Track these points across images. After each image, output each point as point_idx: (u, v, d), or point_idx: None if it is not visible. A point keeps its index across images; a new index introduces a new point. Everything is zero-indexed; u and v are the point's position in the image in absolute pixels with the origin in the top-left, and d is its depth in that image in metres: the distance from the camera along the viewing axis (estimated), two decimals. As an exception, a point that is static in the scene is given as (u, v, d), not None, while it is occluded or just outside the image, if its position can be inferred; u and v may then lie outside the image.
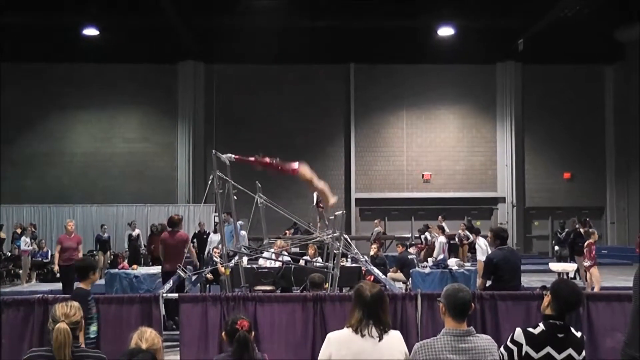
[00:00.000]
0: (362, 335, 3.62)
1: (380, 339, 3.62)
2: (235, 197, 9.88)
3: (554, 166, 25.29)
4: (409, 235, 21.39)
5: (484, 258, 14.40)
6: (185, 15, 21.54)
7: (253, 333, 4.39)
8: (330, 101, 25.25)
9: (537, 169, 25.46)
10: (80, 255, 12.88)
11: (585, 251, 13.54)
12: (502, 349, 3.85)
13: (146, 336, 3.58)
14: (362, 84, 25.10)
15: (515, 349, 3.83)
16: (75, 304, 3.89)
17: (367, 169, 25.13)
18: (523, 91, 25.29)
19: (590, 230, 14.39)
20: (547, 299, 3.98)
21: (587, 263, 13.43)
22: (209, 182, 9.20)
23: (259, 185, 11.94)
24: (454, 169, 25.26)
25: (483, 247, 14.84)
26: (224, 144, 21.93)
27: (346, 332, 3.70)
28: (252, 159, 9.35)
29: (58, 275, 13.27)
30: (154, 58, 24.49)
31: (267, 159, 9.41)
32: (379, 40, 23.52)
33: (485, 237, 15.93)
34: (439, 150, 25.27)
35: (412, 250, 16.99)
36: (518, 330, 3.89)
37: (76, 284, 6.12)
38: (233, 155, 9.50)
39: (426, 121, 25.42)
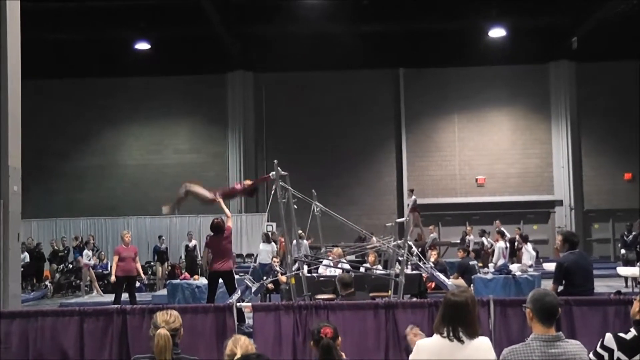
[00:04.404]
0: (447, 338, 3.63)
1: (466, 342, 3.62)
2: (295, 207, 9.86)
3: (613, 166, 24.57)
4: (458, 241, 21.14)
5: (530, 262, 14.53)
6: (232, 25, 21.73)
7: (340, 339, 4.49)
8: (380, 106, 25.12)
9: (595, 170, 24.79)
10: (138, 265, 13.00)
11: None
12: (591, 354, 3.76)
13: (240, 343, 3.73)
14: (411, 89, 24.91)
15: (606, 354, 3.74)
16: (175, 312, 4.08)
17: (419, 174, 24.90)
18: (578, 90, 24.69)
19: None
20: (637, 304, 3.88)
21: None
22: (272, 192, 9.15)
23: (315, 193, 11.87)
24: (508, 172, 24.82)
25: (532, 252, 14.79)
26: (274, 152, 22.03)
27: (435, 339, 3.72)
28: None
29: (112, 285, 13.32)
30: (202, 69, 24.77)
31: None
32: (428, 43, 23.31)
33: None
34: (492, 153, 24.89)
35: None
36: (608, 336, 3.80)
37: None
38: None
39: (478, 124, 25.09)
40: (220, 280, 10.42)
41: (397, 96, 25.04)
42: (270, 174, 9.31)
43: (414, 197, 21.23)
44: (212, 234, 10.67)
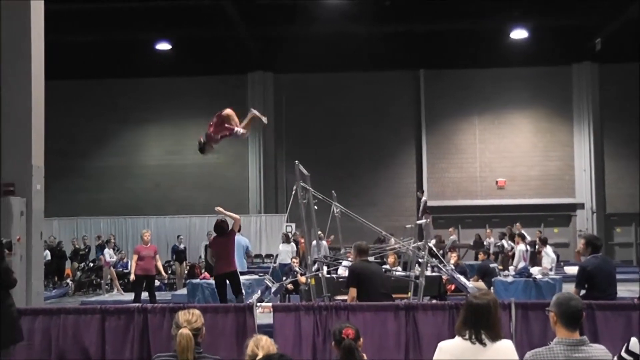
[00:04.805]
0: (469, 341, 3.61)
1: (488, 345, 3.59)
2: (315, 207, 9.83)
3: (636, 170, 24.05)
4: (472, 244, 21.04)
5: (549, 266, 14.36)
6: (252, 26, 21.76)
7: (361, 340, 4.46)
8: (399, 108, 25.03)
9: (618, 173, 24.44)
10: (159, 264, 13.10)
11: None
12: (616, 358, 3.77)
13: (262, 344, 3.72)
14: (432, 90, 24.77)
15: (631, 359, 3.76)
16: (197, 312, 4.14)
17: (439, 176, 24.76)
18: (601, 92, 24.37)
19: None
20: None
21: None
22: (293, 193, 9.14)
23: (334, 194, 11.84)
24: (529, 175, 24.57)
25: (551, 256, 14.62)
26: (293, 152, 21.99)
27: (456, 341, 3.69)
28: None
29: (132, 284, 13.45)
30: (223, 70, 24.83)
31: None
32: (449, 45, 23.19)
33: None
34: (513, 155, 24.66)
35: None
36: (634, 340, 3.81)
37: None
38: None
39: (499, 126, 24.89)
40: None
41: (418, 97, 24.91)
42: (236, 129, 9.08)
43: (424, 197, 21.16)
44: (215, 234, 10.50)
